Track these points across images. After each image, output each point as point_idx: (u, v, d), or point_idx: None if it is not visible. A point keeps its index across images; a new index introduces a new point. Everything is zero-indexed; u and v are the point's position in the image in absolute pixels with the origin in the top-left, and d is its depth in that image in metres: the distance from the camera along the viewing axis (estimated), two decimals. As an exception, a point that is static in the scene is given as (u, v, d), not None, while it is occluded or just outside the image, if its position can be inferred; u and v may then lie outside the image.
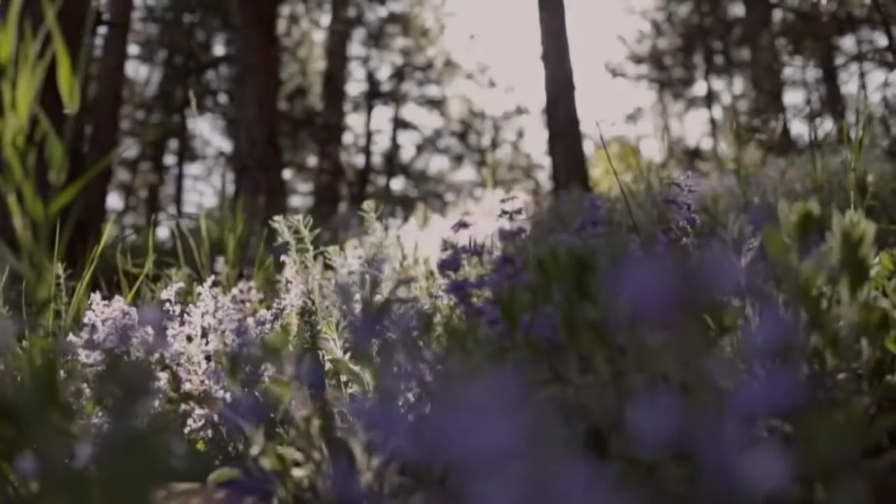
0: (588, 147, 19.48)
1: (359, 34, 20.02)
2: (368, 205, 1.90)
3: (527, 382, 0.84)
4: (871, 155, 3.38)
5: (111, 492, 0.30)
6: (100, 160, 8.53)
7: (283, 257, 1.64)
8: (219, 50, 19.63)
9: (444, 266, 0.97)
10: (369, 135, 20.29)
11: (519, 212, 1.11)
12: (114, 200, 20.34)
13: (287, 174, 20.25)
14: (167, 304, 1.43)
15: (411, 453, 0.83)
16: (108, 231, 1.89)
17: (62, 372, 1.25)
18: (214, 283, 1.69)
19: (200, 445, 1.16)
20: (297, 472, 0.82)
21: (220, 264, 2.48)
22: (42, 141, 0.78)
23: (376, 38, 19.76)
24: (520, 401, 0.71)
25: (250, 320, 1.35)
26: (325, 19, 20.16)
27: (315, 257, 1.96)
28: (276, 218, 1.89)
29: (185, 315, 1.41)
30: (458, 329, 0.81)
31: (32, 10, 1.08)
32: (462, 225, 0.94)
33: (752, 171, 4.36)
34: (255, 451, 0.76)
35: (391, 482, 0.80)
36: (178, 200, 20.17)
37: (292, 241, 1.87)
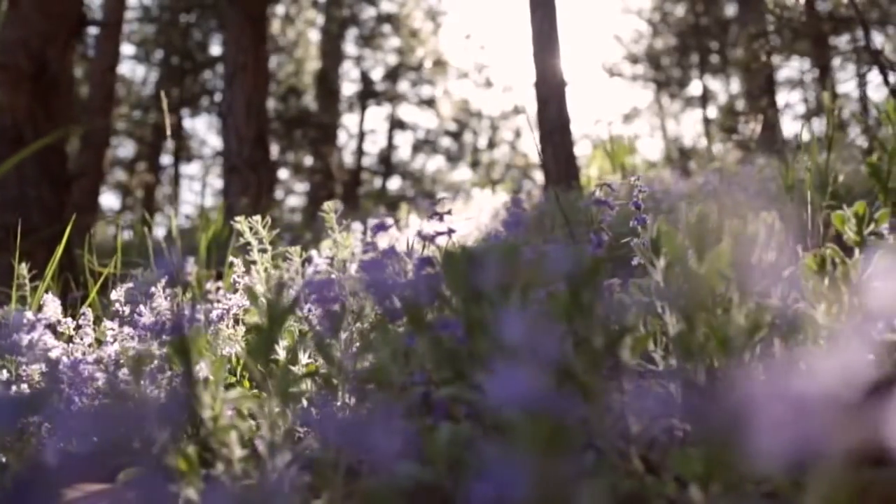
0: (586, 146, 19.50)
1: (352, 34, 20.03)
2: (328, 205, 1.91)
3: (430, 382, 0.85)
4: (847, 154, 3.39)
5: None
6: (91, 161, 8.55)
7: (229, 258, 1.65)
8: (215, 49, 19.63)
9: (364, 267, 0.98)
10: (362, 135, 20.29)
11: (449, 213, 1.12)
12: (112, 201, 20.38)
13: (284, 174, 20.28)
14: (117, 304, 1.44)
15: (314, 451, 0.83)
16: (69, 231, 1.90)
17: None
18: (170, 284, 1.70)
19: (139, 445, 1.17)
20: (206, 471, 0.83)
21: (190, 264, 2.48)
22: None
23: (369, 38, 19.77)
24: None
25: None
26: (322, 19, 20.17)
27: (278, 258, 1.97)
28: (237, 218, 1.90)
29: (136, 315, 1.42)
30: (363, 330, 0.81)
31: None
32: (381, 227, 0.95)
33: (733, 170, 4.36)
34: (156, 449, 0.77)
35: (297, 481, 0.81)
36: (174, 200, 20.18)
37: (254, 241, 1.88)
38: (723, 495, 0.69)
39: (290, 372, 0.76)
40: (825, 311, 0.97)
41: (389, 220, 0.95)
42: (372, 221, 4.26)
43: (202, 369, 0.87)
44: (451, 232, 1.10)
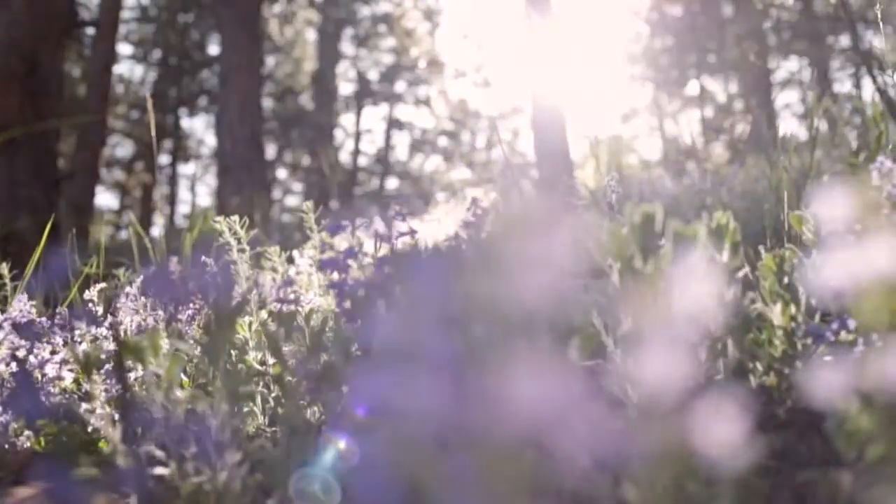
0: (584, 146, 19.49)
1: (349, 34, 20.03)
2: (307, 206, 1.91)
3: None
4: (837, 154, 3.39)
5: None
6: (87, 160, 8.55)
7: (203, 258, 1.65)
8: (213, 49, 19.62)
9: (323, 267, 0.98)
10: (359, 134, 20.30)
11: (411, 213, 1.12)
12: (110, 200, 20.39)
13: (283, 173, 20.30)
14: (90, 304, 1.44)
15: (265, 451, 0.84)
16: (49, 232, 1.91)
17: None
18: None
19: (103, 445, 1.17)
20: (159, 470, 0.83)
21: (173, 264, 2.49)
22: None
23: (365, 38, 19.76)
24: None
25: (151, 320, 1.36)
26: (319, 19, 20.17)
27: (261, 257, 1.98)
28: (217, 218, 1.90)
29: (109, 315, 1.42)
30: (315, 329, 0.82)
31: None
32: (339, 227, 0.96)
33: (724, 170, 4.37)
34: (107, 449, 0.77)
35: (248, 480, 0.81)
36: (172, 200, 20.19)
37: (233, 241, 1.89)
38: (665, 494, 0.69)
39: (238, 371, 0.77)
40: (781, 311, 0.97)
41: (347, 221, 0.96)
42: (363, 221, 4.27)
43: (160, 368, 0.88)
44: (412, 232, 1.10)
